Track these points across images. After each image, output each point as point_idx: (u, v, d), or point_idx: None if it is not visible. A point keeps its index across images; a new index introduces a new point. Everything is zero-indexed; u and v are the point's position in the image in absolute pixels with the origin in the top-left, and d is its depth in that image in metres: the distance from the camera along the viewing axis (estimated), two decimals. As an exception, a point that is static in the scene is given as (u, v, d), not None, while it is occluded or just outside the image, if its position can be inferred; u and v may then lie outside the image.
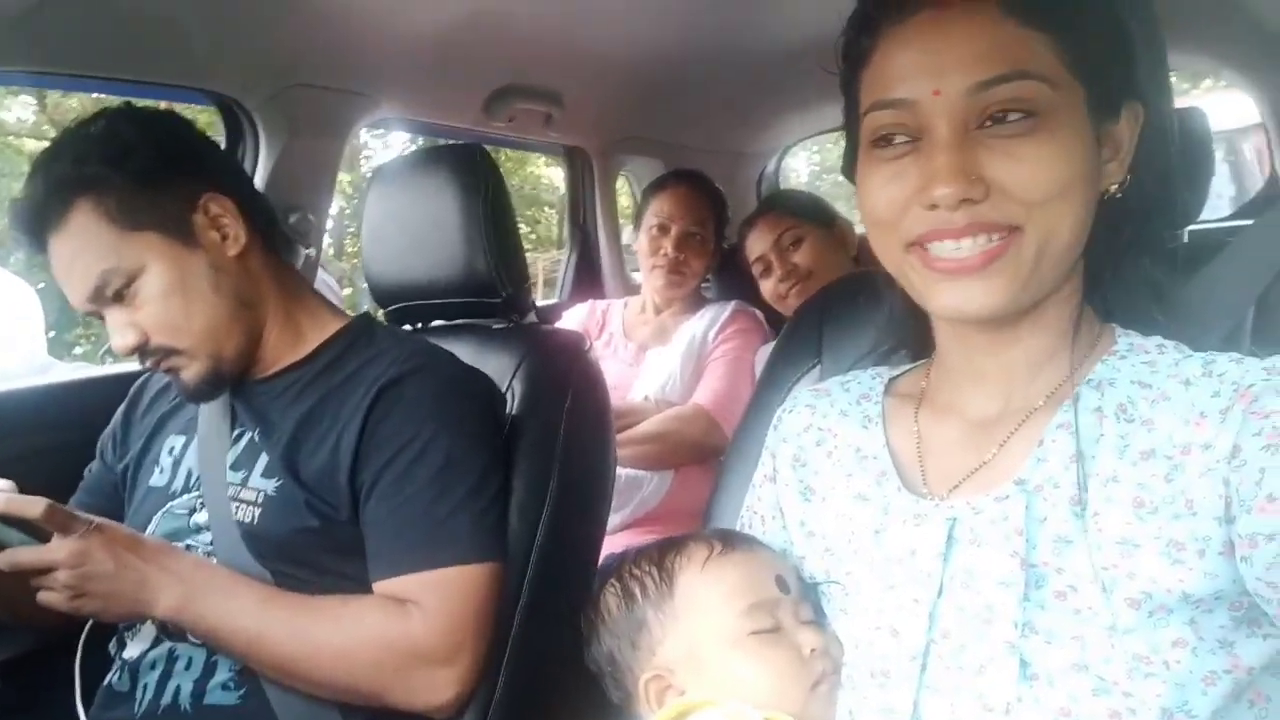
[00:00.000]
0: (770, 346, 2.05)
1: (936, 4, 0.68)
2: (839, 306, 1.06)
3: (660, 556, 0.84)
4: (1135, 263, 0.76)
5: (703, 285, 2.33)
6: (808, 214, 2.04)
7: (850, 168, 0.80)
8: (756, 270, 2.06)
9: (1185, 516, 0.63)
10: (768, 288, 2.04)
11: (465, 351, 1.29)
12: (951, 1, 0.67)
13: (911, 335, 0.88)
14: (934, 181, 0.67)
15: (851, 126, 0.78)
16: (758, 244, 2.04)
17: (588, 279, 2.72)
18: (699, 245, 2.19)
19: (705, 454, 1.97)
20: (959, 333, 0.78)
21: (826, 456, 0.87)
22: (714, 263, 2.25)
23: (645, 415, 1.96)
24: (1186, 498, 0.64)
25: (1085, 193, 0.69)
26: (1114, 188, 0.72)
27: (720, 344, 2.08)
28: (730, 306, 2.16)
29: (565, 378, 1.30)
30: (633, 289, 2.66)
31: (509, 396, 1.27)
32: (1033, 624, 0.67)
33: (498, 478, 1.14)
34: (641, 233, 2.23)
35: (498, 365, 1.31)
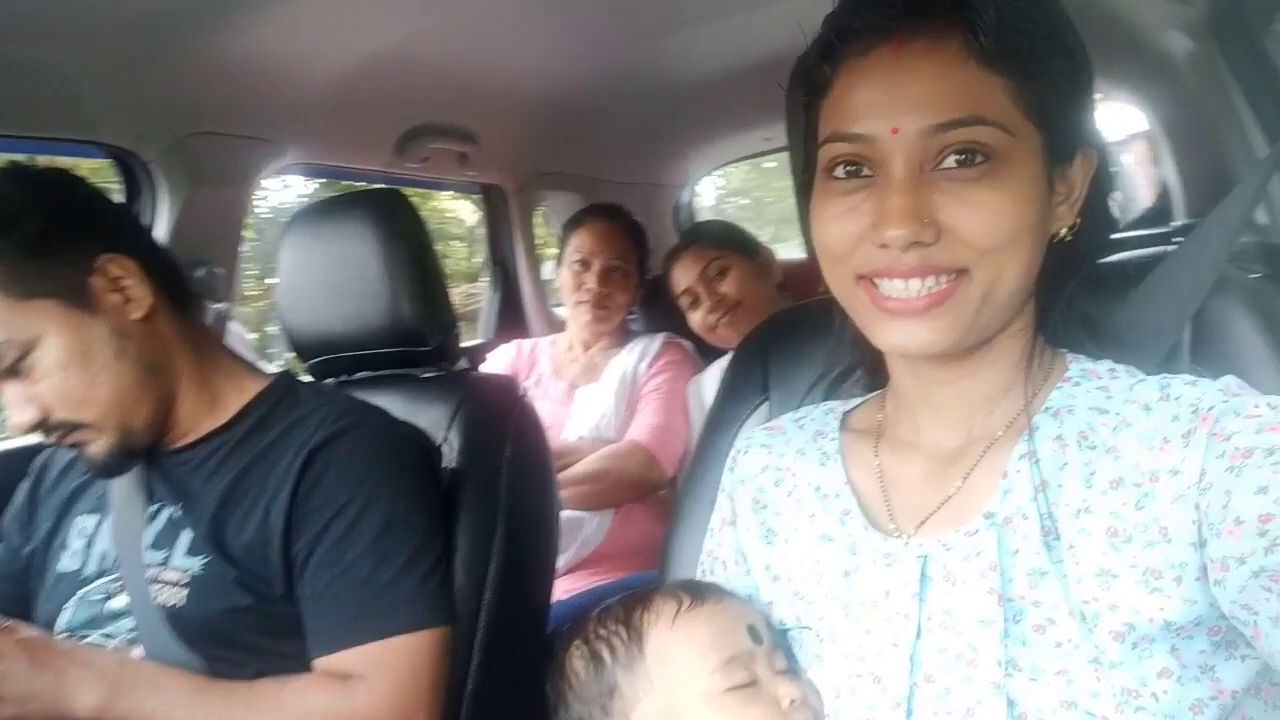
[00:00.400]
0: (702, 377, 2.05)
1: (900, 40, 0.67)
2: (781, 340, 1.04)
3: (626, 615, 0.80)
4: (1069, 298, 0.77)
5: (629, 318, 2.30)
6: (732, 244, 2.04)
7: (803, 191, 0.80)
8: (684, 303, 2.05)
9: (1160, 544, 0.63)
10: (696, 319, 2.03)
11: (396, 404, 1.25)
12: (915, 39, 0.67)
13: (865, 359, 0.87)
14: (886, 221, 0.66)
15: (806, 151, 0.77)
16: (684, 277, 2.03)
17: (511, 318, 2.67)
18: (622, 279, 2.17)
19: (645, 490, 1.94)
20: (911, 366, 0.78)
21: (787, 496, 0.85)
22: (638, 295, 2.24)
23: (581, 455, 1.92)
24: (1160, 525, 0.64)
25: (1035, 238, 0.69)
26: (1064, 230, 0.72)
27: (652, 377, 2.06)
28: (660, 339, 2.15)
29: (503, 425, 1.26)
30: (557, 325, 2.63)
31: (445, 449, 1.23)
32: (1016, 661, 0.66)
33: (440, 537, 1.09)
34: (564, 269, 2.20)
35: (431, 417, 1.26)
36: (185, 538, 1.05)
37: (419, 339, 1.33)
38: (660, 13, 1.91)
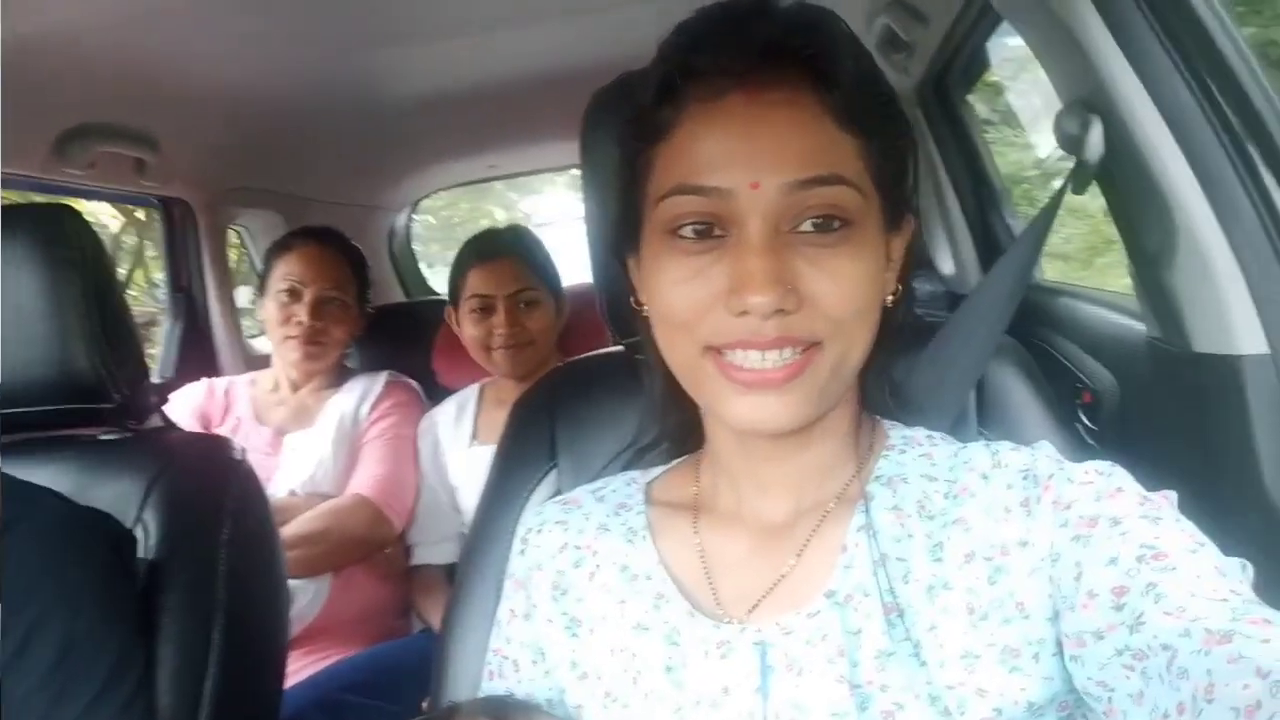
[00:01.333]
0: (436, 413, 1.88)
1: (752, 88, 0.61)
2: (571, 398, 0.94)
3: (421, 750, 0.66)
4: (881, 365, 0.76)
5: (344, 355, 2.07)
6: (550, 280, 1.83)
7: (619, 244, 0.72)
8: (471, 305, 1.79)
9: (1017, 620, 0.62)
10: (476, 333, 1.78)
11: (64, 478, 1.01)
12: (769, 88, 0.61)
13: (674, 427, 0.80)
14: (747, 287, 0.60)
15: (628, 200, 0.69)
16: (490, 284, 1.77)
17: (195, 352, 2.30)
18: (339, 311, 1.92)
19: (371, 549, 1.75)
20: (742, 439, 0.72)
21: (589, 580, 0.75)
22: (358, 330, 2.01)
23: (295, 513, 1.67)
24: (1016, 600, 0.62)
25: (877, 308, 0.67)
26: (890, 298, 0.70)
27: (375, 422, 1.85)
28: (382, 378, 1.94)
29: (218, 500, 1.04)
30: (254, 361, 2.32)
31: (139, 534, 0.98)
32: None
33: (139, 655, 0.86)
34: (269, 299, 1.92)
35: (117, 492, 1.02)
36: None
37: (99, 394, 1.07)
38: (378, 25, 1.73)
